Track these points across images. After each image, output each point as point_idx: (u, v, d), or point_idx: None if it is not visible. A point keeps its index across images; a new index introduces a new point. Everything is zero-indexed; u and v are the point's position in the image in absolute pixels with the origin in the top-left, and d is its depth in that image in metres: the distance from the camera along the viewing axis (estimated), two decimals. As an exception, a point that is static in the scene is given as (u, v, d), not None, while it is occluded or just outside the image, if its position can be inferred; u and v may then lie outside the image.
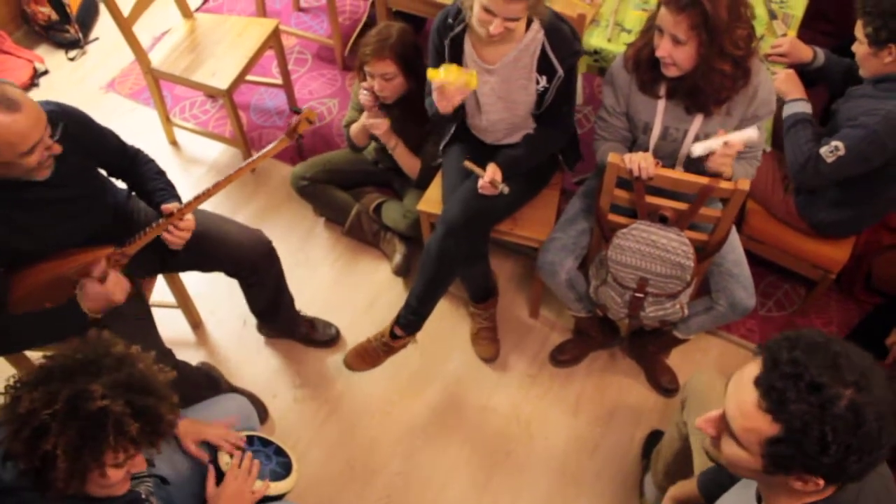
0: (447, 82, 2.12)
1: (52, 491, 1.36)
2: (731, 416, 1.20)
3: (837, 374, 1.10)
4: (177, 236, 2.07)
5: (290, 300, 2.65)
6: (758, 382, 1.15)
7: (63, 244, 2.00)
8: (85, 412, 1.32)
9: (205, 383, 2.44)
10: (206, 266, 2.38)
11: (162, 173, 2.24)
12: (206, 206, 2.11)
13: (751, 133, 1.99)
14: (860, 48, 2.24)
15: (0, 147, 1.71)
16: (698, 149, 2.04)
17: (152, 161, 2.25)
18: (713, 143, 2.01)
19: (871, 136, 2.16)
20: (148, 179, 2.20)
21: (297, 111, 2.16)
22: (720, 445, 1.26)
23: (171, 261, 2.29)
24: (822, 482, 1.16)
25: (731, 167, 2.08)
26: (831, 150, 2.22)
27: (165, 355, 2.20)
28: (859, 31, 2.21)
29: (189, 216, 2.09)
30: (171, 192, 2.19)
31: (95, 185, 2.12)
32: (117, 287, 1.98)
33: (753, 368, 1.17)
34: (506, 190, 2.26)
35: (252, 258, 2.36)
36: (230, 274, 2.41)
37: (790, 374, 1.11)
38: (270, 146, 2.10)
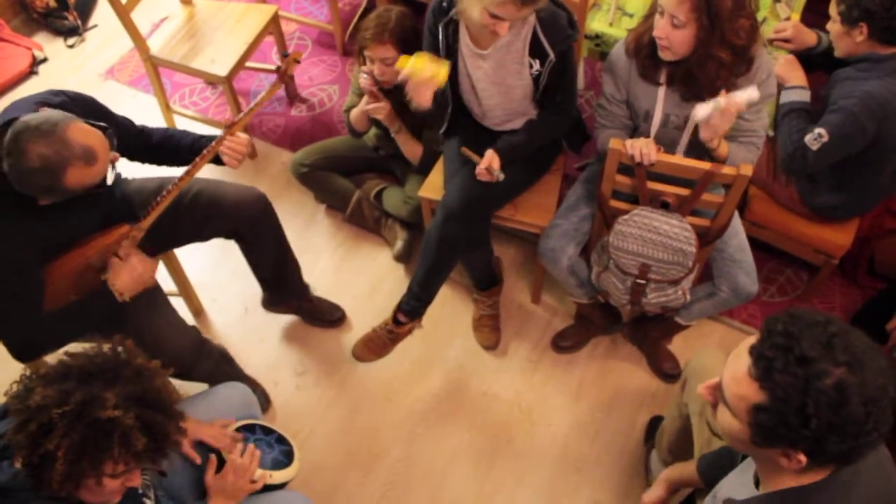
0: (412, 73, 2.10)
1: (44, 490, 1.35)
2: (725, 383, 1.23)
3: (829, 353, 1.11)
4: (236, 152, 2.12)
5: (296, 264, 2.67)
6: (751, 350, 1.18)
7: (85, 232, 2.02)
8: (93, 418, 1.31)
9: (222, 359, 2.47)
10: (206, 232, 2.40)
11: (186, 131, 2.27)
12: (201, 174, 2.17)
13: (751, 93, 1.95)
14: (834, 27, 2.25)
15: (90, 185, 1.81)
16: (702, 110, 1.98)
17: (168, 128, 2.29)
18: (717, 102, 1.96)
19: (850, 119, 2.17)
20: (181, 137, 2.23)
21: (285, 55, 2.28)
22: (717, 414, 1.28)
23: (172, 234, 2.29)
24: (803, 458, 1.17)
25: (726, 128, 2.02)
26: (815, 137, 2.22)
27: (187, 330, 2.24)
28: (833, 9, 2.22)
29: (242, 134, 2.14)
30: (209, 137, 2.21)
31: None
32: (145, 266, 2.02)
33: (753, 339, 1.20)
34: (501, 177, 2.25)
35: (251, 213, 2.40)
36: (230, 235, 2.44)
37: (781, 346, 1.14)
38: (264, 92, 2.17)
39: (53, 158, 1.70)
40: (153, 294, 2.17)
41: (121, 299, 1.98)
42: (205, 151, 2.11)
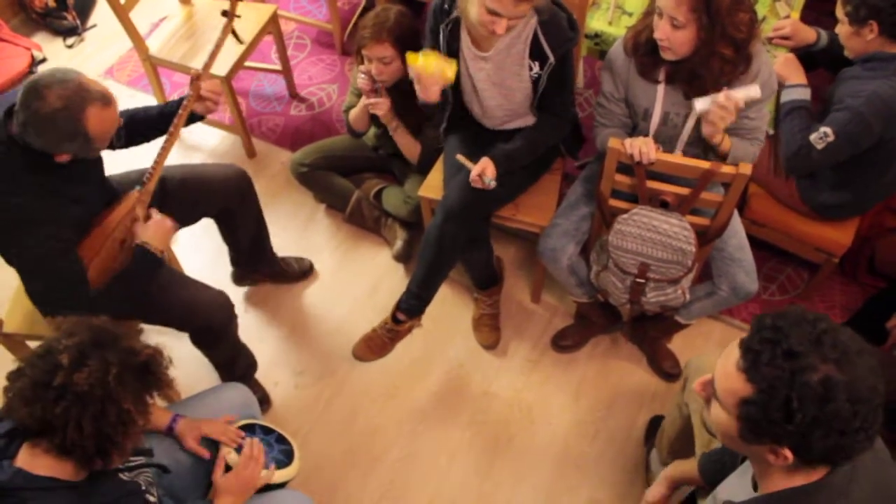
0: (423, 71, 2.17)
1: (117, 456, 1.44)
2: (716, 378, 1.24)
3: (817, 349, 1.12)
4: (213, 93, 2.23)
5: (268, 232, 2.73)
6: (741, 344, 1.19)
7: (98, 208, 2.09)
8: (137, 366, 1.43)
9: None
10: (196, 214, 2.46)
11: (148, 105, 2.35)
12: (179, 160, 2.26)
13: (753, 91, 1.97)
14: (842, 28, 2.25)
15: (108, 134, 1.90)
16: (700, 103, 2.00)
17: (127, 109, 2.32)
18: (716, 96, 1.98)
19: (857, 119, 2.16)
20: (146, 110, 2.31)
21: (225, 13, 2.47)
22: (709, 410, 1.29)
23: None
24: (790, 455, 1.17)
25: (727, 123, 2.01)
26: (820, 136, 2.21)
27: (214, 289, 2.30)
28: (839, 10, 2.22)
29: (210, 82, 2.24)
30: (175, 101, 2.28)
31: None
32: (164, 218, 2.12)
33: (745, 334, 1.21)
34: (492, 185, 2.25)
35: (238, 188, 2.48)
36: (219, 213, 2.51)
37: (769, 339, 1.15)
38: (220, 34, 2.36)
39: (74, 98, 1.78)
40: (169, 269, 2.24)
41: (161, 255, 2.08)
42: (185, 103, 2.19)
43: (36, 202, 1.87)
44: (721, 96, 1.96)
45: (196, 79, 2.21)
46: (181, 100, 2.24)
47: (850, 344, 1.13)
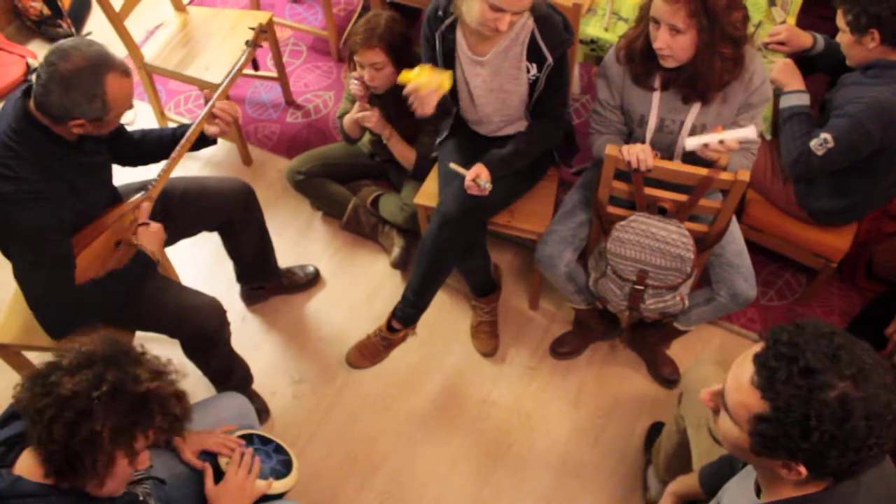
0: (419, 85, 2.13)
1: (81, 479, 1.37)
2: (727, 390, 1.22)
3: (835, 365, 1.10)
4: (228, 114, 2.24)
5: (272, 245, 2.73)
6: (755, 359, 1.17)
7: (99, 208, 2.11)
8: (131, 394, 1.36)
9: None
10: (198, 226, 2.46)
11: (162, 127, 2.40)
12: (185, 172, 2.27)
13: (747, 132, 1.97)
14: (843, 37, 2.24)
15: (123, 106, 1.91)
16: (691, 143, 2.01)
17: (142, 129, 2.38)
18: (707, 139, 1.99)
19: (856, 125, 2.16)
20: (160, 130, 2.34)
21: (252, 28, 2.52)
22: (718, 421, 1.27)
23: (169, 230, 2.32)
24: (803, 470, 1.16)
25: (727, 156, 2.05)
26: (821, 143, 2.21)
27: (205, 295, 2.30)
28: (840, 20, 2.22)
29: (225, 102, 2.26)
30: (189, 124, 2.29)
31: (108, 156, 2.22)
32: (157, 228, 2.15)
33: (759, 347, 1.19)
34: (488, 188, 2.24)
35: (241, 201, 2.48)
36: (221, 226, 2.51)
37: (786, 356, 1.12)
38: (244, 58, 2.45)
39: (98, 60, 1.81)
40: (163, 276, 2.26)
41: (154, 258, 2.11)
42: (200, 119, 2.21)
43: (41, 177, 1.89)
44: (714, 141, 1.96)
45: (212, 100, 2.24)
46: (184, 127, 2.29)
47: (866, 359, 1.12)
